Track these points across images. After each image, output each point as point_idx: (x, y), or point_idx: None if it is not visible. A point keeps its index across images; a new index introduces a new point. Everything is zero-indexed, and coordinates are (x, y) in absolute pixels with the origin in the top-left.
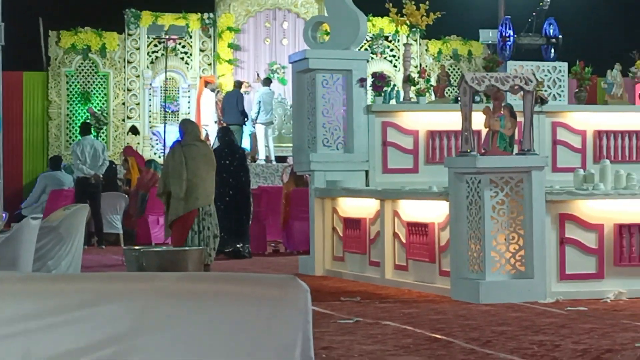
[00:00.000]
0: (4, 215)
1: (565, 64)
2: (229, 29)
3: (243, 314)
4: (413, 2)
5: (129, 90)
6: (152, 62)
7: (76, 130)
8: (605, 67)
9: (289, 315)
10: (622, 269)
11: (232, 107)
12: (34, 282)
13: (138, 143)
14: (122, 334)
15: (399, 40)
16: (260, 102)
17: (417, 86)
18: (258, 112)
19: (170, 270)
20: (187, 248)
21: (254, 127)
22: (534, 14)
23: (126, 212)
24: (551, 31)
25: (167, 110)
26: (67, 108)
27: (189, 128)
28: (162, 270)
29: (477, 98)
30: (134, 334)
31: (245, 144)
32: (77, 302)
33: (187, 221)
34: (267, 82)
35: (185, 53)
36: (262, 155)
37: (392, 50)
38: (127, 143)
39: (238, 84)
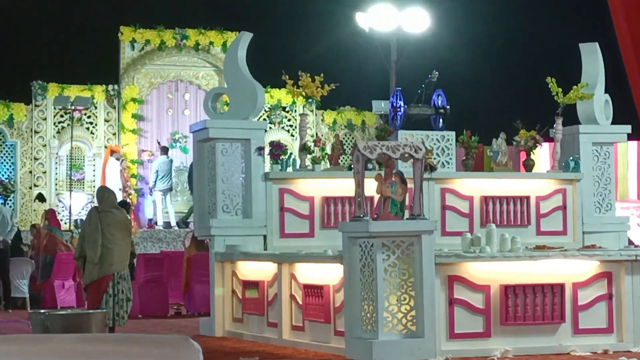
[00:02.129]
0: None
1: (453, 133)
2: (133, 100)
3: None
4: (308, 75)
5: (35, 159)
6: (58, 132)
7: None
8: (491, 136)
9: None
10: (508, 328)
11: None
12: None
13: (45, 210)
14: None
15: (295, 111)
16: (157, 170)
17: (313, 154)
18: (155, 180)
19: (74, 333)
20: (90, 311)
21: (151, 194)
22: (423, 85)
23: (32, 277)
24: (440, 102)
25: (72, 178)
26: None
27: (105, 195)
28: (66, 333)
29: (369, 165)
30: None
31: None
32: None
33: (101, 285)
34: (165, 150)
35: (91, 123)
36: (160, 221)
37: (289, 120)
38: (34, 210)
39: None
